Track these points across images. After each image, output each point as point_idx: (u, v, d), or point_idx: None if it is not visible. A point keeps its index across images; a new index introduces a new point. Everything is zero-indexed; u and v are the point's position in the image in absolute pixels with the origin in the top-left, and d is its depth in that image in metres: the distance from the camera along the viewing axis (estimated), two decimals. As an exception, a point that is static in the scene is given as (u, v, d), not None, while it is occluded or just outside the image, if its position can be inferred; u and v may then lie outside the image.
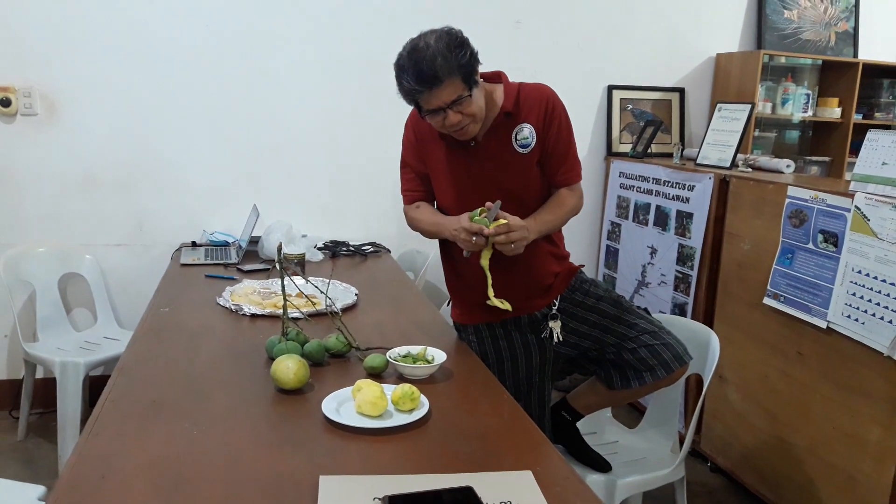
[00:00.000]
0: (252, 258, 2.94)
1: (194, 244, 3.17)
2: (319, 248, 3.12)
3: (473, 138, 1.86)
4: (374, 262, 3.08)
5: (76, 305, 3.21)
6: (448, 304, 2.19)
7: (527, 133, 1.86)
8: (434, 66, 1.66)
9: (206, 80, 3.18)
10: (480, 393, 1.69)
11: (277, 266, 1.88)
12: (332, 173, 3.40)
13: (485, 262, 1.83)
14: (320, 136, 3.35)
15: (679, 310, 3.05)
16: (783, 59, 3.82)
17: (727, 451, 2.84)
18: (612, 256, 3.60)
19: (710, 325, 2.89)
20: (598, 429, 2.32)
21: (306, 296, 2.12)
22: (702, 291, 2.94)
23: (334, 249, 3.12)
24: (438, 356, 1.81)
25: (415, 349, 1.84)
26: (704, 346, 2.14)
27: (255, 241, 3.03)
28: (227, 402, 1.59)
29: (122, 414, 1.51)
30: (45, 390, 3.03)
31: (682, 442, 2.16)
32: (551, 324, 1.97)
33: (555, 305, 1.98)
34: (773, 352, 2.59)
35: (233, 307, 2.23)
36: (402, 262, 3.31)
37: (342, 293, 2.43)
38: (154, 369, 1.77)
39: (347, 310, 2.28)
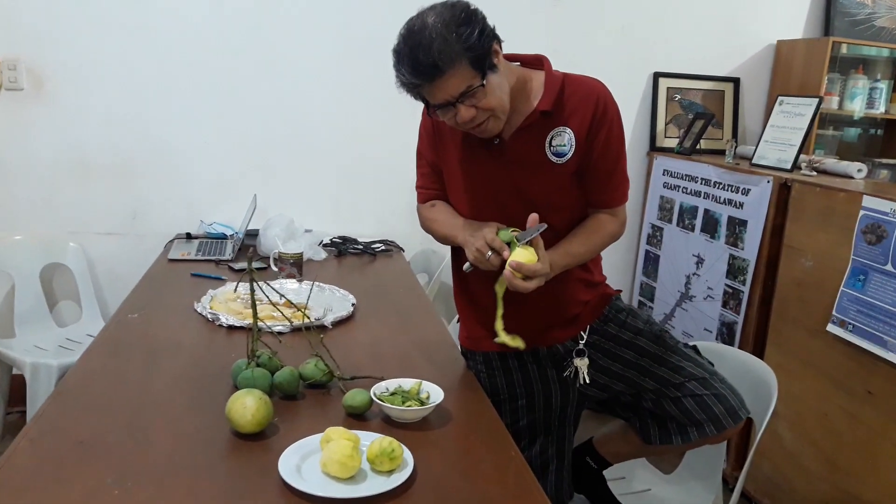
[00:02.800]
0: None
1: (189, 236, 2.90)
2: (325, 245, 2.82)
3: (498, 135, 1.53)
4: (384, 262, 2.78)
5: (62, 298, 2.97)
6: (457, 321, 1.88)
7: (565, 140, 1.51)
8: (431, 52, 1.34)
9: (210, 60, 2.89)
10: (482, 446, 1.38)
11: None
12: (345, 164, 3.09)
13: (500, 287, 1.50)
14: (334, 123, 3.05)
15: (727, 329, 2.70)
16: (853, 49, 3.40)
17: (775, 494, 2.48)
18: (651, 263, 3.24)
19: (762, 350, 2.54)
20: (627, 473, 2.00)
21: (294, 304, 1.82)
22: (754, 310, 2.58)
23: (341, 247, 2.82)
24: (434, 394, 1.50)
25: (407, 383, 1.53)
26: (760, 385, 1.79)
27: (253, 234, 2.75)
28: (170, 446, 1.30)
29: (37, 461, 1.23)
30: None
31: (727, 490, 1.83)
32: (577, 361, 1.63)
33: (582, 339, 1.65)
34: (835, 387, 2.22)
35: (209, 316, 1.95)
36: (415, 262, 3.00)
37: (338, 302, 2.13)
38: (96, 396, 1.49)
39: (340, 323, 1.97)
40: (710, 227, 2.80)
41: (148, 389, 1.53)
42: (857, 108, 3.32)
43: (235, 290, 1.88)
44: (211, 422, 1.40)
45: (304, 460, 1.26)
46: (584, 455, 1.81)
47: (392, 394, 1.48)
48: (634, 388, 1.67)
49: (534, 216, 1.43)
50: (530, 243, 1.44)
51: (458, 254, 1.74)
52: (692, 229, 2.92)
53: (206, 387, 1.55)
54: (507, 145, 1.54)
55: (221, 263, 2.54)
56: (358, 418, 1.45)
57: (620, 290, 1.74)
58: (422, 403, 1.46)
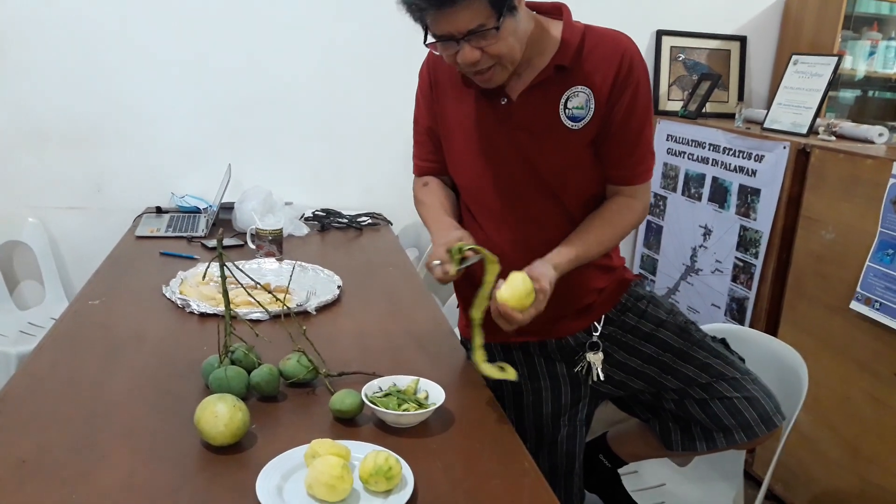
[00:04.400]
0: (225, 230, 2.45)
1: (159, 210, 2.68)
2: (307, 219, 2.62)
3: (505, 94, 1.33)
4: (372, 237, 2.58)
5: (23, 279, 2.75)
6: (458, 307, 1.68)
7: (583, 101, 1.31)
8: None
9: (177, 15, 2.64)
10: (491, 456, 1.20)
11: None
12: (327, 130, 2.87)
13: (476, 313, 1.30)
14: (314, 85, 2.82)
15: (737, 305, 2.54)
16: (864, 5, 3.20)
17: (789, 480, 2.35)
18: (653, 234, 3.07)
19: (776, 328, 2.39)
20: (639, 466, 1.84)
21: (270, 291, 1.62)
22: (767, 286, 2.42)
23: (324, 221, 2.62)
24: (434, 393, 1.32)
25: (403, 381, 1.35)
26: (788, 374, 1.63)
27: (229, 207, 2.54)
28: (127, 463, 1.12)
29: (-33, 487, 1.04)
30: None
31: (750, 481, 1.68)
32: (590, 356, 1.45)
33: (596, 331, 1.47)
34: (859, 370, 2.07)
35: (179, 302, 1.75)
36: (404, 236, 2.81)
37: (322, 284, 1.93)
38: (44, 402, 1.29)
39: (325, 309, 1.79)
40: (719, 196, 2.63)
41: (105, 393, 1.33)
42: (871, 68, 3.14)
43: (204, 275, 1.68)
44: (177, 432, 1.21)
45: (287, 479, 1.08)
46: (596, 452, 1.64)
47: (386, 394, 1.30)
48: (655, 386, 1.50)
49: (469, 251, 1.27)
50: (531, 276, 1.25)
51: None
52: (699, 198, 2.75)
53: (173, 388, 1.36)
54: (516, 106, 1.34)
55: (194, 240, 2.33)
56: (347, 423, 1.27)
57: (640, 276, 1.55)
58: (420, 405, 1.28)
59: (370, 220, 2.69)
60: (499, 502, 1.07)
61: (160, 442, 1.18)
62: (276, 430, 1.24)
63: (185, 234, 2.36)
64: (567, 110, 1.31)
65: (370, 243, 2.50)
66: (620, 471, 1.71)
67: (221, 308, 1.69)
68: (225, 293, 1.38)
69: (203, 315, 1.70)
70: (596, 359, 1.44)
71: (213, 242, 2.27)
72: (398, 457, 1.09)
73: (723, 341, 1.51)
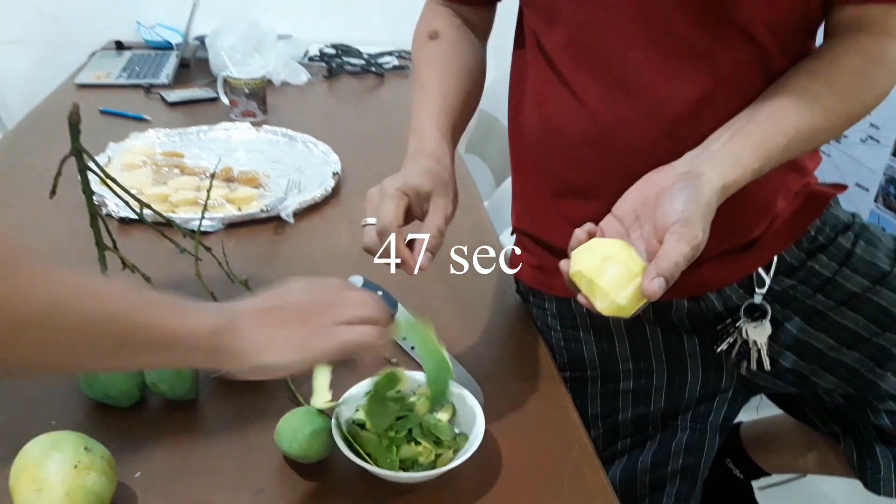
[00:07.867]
0: (200, 75, 1.82)
1: (120, 46, 2.04)
2: (311, 60, 1.95)
3: None
4: (397, 86, 1.91)
5: (-39, 131, 2.20)
6: (512, 234, 1.02)
7: None
8: None
9: None
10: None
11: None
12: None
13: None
14: None
15: (896, 188, 1.84)
16: None
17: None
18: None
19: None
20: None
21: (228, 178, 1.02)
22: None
23: (332, 62, 1.94)
24: (466, 413, 0.73)
25: (411, 380, 0.74)
26: None
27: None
28: None
29: None
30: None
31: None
32: (748, 328, 0.81)
33: (762, 286, 0.81)
34: None
35: (95, 199, 1.16)
36: (443, 84, 2.12)
37: (315, 166, 1.31)
38: None
39: (309, 212, 1.18)
40: None
41: None
42: None
43: (199, 134, 1.07)
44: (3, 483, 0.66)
45: None
46: (722, 455, 1.06)
47: (371, 401, 0.71)
48: (856, 386, 0.86)
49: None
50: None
51: (521, 61, 0.87)
52: None
53: (31, 385, 0.80)
54: None
55: (153, 91, 1.71)
56: (309, 467, 0.70)
57: (845, 187, 0.86)
58: (438, 440, 0.70)
59: (397, 62, 2.00)
60: None
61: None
62: (178, 485, 0.68)
63: (142, 83, 1.73)
64: None
65: (394, 96, 1.84)
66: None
67: (149, 212, 1.08)
68: (89, 197, 0.79)
69: (124, 222, 1.12)
70: (759, 333, 0.80)
71: (174, 95, 1.64)
72: None
73: None
